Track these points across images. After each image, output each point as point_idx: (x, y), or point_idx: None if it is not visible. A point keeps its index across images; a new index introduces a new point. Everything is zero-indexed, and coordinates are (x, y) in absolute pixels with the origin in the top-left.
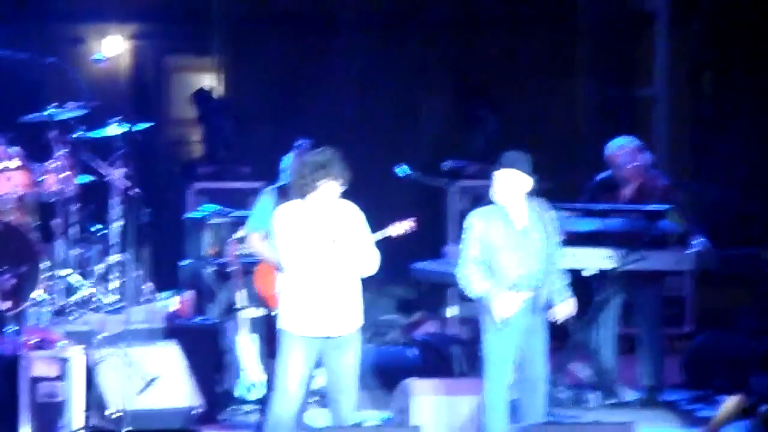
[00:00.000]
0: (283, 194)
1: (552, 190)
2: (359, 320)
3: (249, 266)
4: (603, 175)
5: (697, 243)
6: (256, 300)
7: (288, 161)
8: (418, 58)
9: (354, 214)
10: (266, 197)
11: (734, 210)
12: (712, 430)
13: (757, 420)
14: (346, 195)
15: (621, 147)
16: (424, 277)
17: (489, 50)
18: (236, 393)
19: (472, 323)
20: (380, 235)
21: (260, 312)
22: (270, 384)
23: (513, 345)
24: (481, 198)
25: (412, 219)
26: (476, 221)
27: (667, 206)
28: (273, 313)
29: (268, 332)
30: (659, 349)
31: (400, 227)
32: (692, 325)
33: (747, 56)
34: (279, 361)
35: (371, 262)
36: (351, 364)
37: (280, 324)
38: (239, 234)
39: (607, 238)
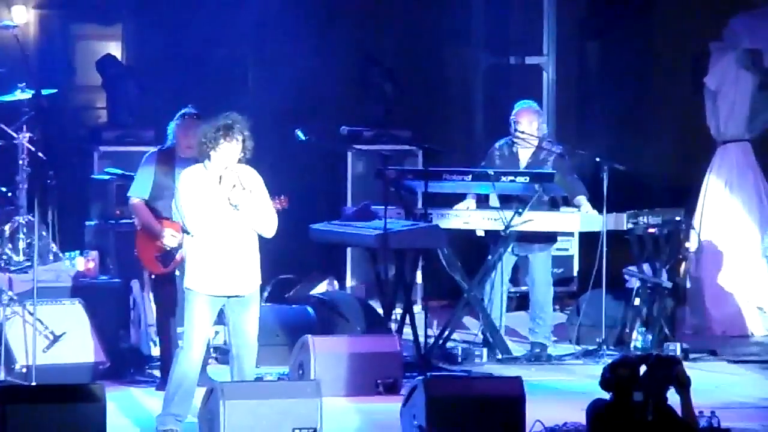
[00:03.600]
0: (164, 158)
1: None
2: (258, 280)
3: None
4: (503, 141)
5: (582, 205)
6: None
7: (171, 128)
8: (317, 26)
9: (254, 178)
10: (147, 163)
11: (615, 176)
12: None
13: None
14: (248, 161)
15: (525, 109)
16: (323, 237)
17: (385, 19)
18: (141, 349)
19: (368, 283)
20: None
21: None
22: (163, 341)
23: None
24: (374, 162)
25: (286, 197)
26: None
27: (552, 171)
28: (176, 273)
29: (162, 293)
30: (548, 307)
31: (278, 204)
32: (579, 284)
33: (631, 25)
34: (185, 318)
35: (270, 225)
36: (252, 321)
37: (186, 283)
38: None
39: (497, 201)
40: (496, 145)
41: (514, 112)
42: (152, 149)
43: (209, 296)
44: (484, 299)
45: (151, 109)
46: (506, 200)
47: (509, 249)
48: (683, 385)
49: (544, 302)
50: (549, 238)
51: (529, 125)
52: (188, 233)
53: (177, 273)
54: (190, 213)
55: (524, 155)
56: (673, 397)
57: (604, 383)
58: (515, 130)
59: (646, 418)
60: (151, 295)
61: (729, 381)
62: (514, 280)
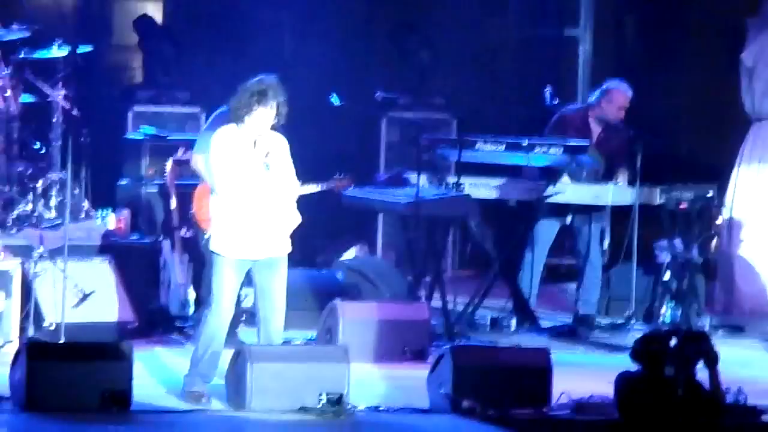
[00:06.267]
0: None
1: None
2: (288, 244)
3: (184, 188)
4: (574, 108)
5: (619, 178)
6: (190, 221)
7: None
8: None
9: (282, 145)
10: (215, 124)
11: (650, 150)
12: None
13: None
14: (283, 126)
15: (624, 93)
16: (355, 203)
17: None
18: (170, 310)
19: (398, 250)
20: (319, 187)
21: (191, 233)
22: (198, 302)
23: None
24: (408, 129)
25: (350, 177)
26: None
27: (586, 143)
28: (206, 236)
29: (198, 253)
30: (594, 280)
31: (340, 184)
32: (609, 257)
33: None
34: (213, 281)
35: (292, 192)
36: (280, 284)
37: (213, 246)
38: (178, 156)
39: (531, 171)
40: (568, 115)
41: (608, 88)
42: (221, 108)
43: (236, 260)
44: (519, 269)
45: (187, 70)
46: (532, 170)
47: (566, 218)
48: (712, 361)
49: (588, 274)
50: (593, 209)
51: (618, 111)
52: (216, 193)
53: (206, 236)
54: (222, 173)
55: (596, 129)
56: (701, 374)
57: (635, 354)
58: (599, 104)
59: (676, 392)
60: (181, 256)
61: (757, 358)
62: (557, 251)
